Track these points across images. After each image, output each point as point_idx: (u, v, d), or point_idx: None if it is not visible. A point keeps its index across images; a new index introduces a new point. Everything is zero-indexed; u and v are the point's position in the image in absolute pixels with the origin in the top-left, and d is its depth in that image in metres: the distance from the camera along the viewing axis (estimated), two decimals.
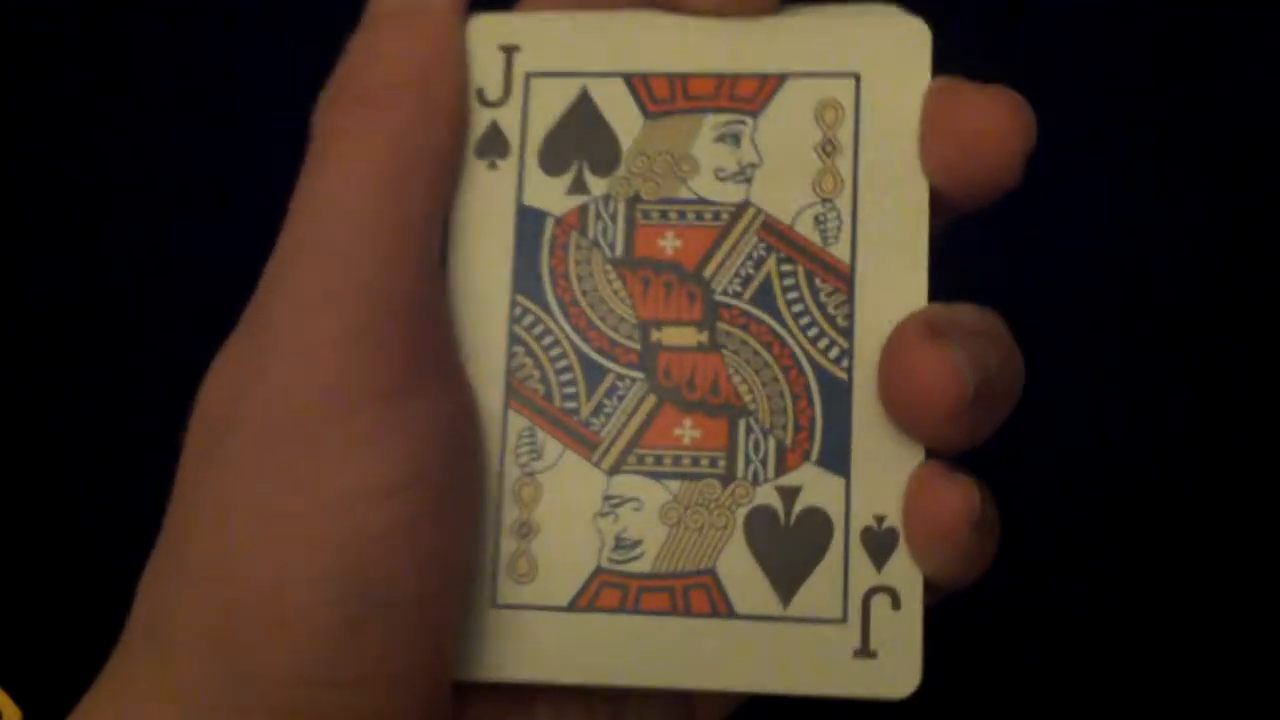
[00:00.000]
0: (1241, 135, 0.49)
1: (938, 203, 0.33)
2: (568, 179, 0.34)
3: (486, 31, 0.34)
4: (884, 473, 0.32)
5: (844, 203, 0.33)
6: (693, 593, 0.32)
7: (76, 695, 0.30)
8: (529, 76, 0.34)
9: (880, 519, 0.32)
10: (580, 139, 0.34)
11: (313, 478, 0.29)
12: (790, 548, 0.32)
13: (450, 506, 0.31)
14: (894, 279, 0.33)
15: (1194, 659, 0.48)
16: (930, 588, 0.33)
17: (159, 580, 0.31)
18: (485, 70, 0.34)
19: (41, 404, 0.54)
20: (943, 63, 0.34)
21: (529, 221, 0.34)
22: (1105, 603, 0.47)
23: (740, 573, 0.32)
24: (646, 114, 0.34)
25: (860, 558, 0.32)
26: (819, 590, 0.32)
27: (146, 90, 0.54)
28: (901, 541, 0.32)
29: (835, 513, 0.32)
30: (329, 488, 0.29)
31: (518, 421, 0.33)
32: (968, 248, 0.34)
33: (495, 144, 0.34)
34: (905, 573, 0.32)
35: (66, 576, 0.51)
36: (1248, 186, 0.49)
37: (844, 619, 0.32)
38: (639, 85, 0.34)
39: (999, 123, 0.32)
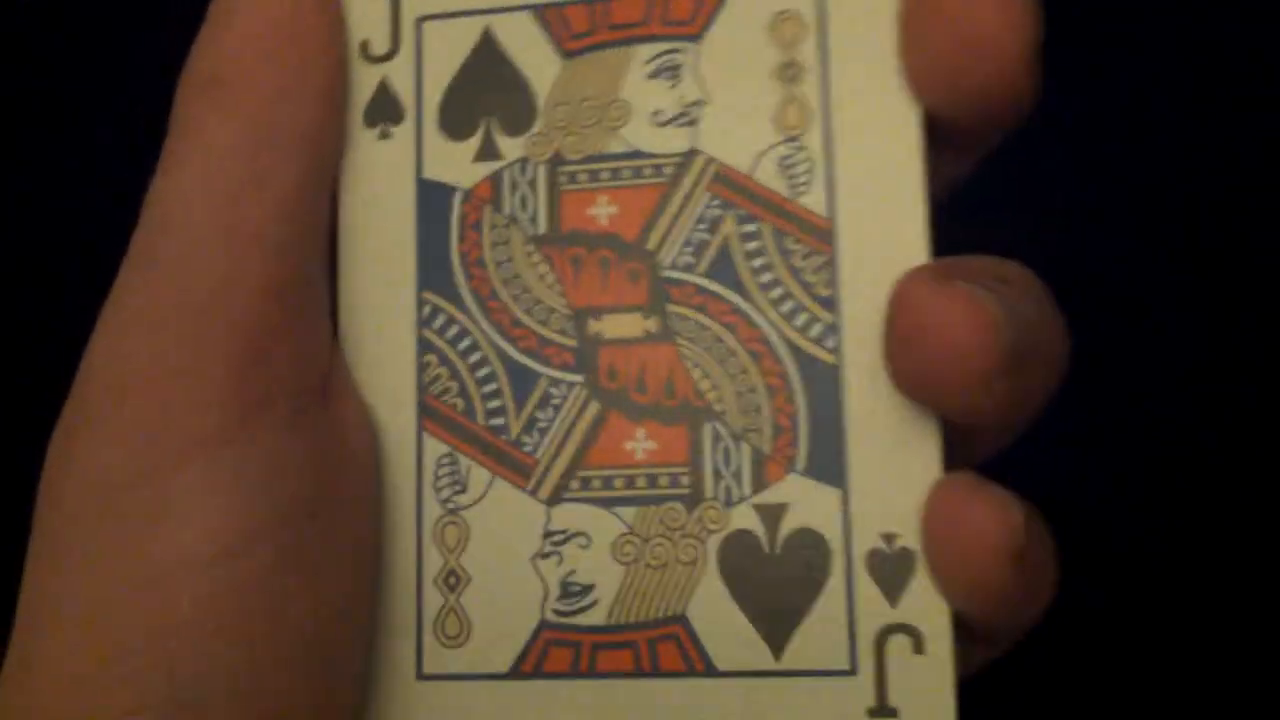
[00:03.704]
0: None
1: (937, 132, 0.26)
2: (475, 143, 0.28)
3: None
4: (891, 478, 0.26)
5: (814, 140, 0.26)
6: (660, 647, 0.26)
7: None
8: (420, 21, 0.28)
9: (890, 538, 0.25)
10: (487, 92, 0.28)
11: (115, 554, 0.24)
12: (778, 583, 0.26)
13: (301, 572, 0.25)
14: (885, 231, 0.26)
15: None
16: (969, 637, 0.26)
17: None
18: (368, 18, 0.28)
19: (45, 402, 0.51)
20: None
21: (432, 199, 0.27)
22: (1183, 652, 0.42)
23: (718, 618, 0.26)
24: (564, 53, 0.27)
25: (869, 589, 0.25)
26: (819, 635, 0.25)
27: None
28: (920, 564, 0.25)
29: (832, 534, 0.26)
30: (130, 565, 0.24)
31: (435, 447, 0.27)
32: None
33: (386, 108, 0.28)
34: (928, 605, 0.25)
35: None
36: None
37: (853, 670, 0.25)
38: (552, 18, 0.27)
39: (986, 16, 0.24)
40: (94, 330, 0.26)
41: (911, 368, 0.25)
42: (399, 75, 0.28)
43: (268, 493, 0.25)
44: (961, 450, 0.26)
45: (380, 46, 0.28)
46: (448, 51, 0.28)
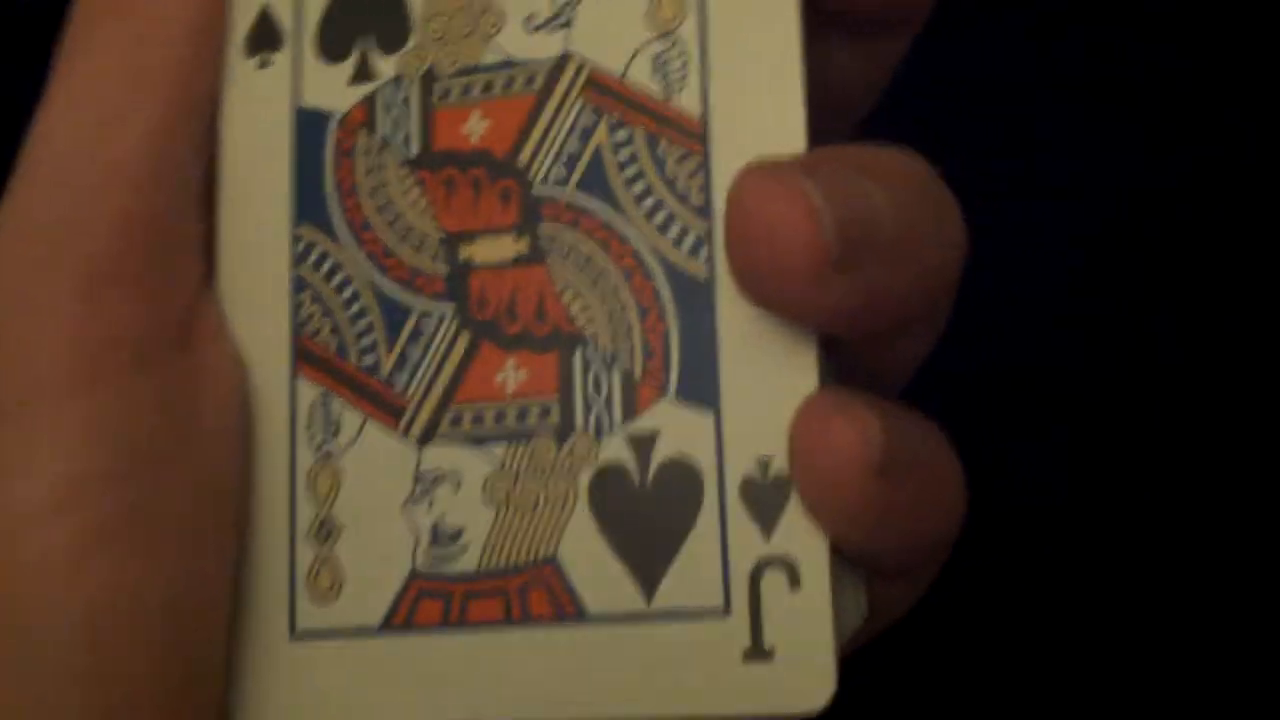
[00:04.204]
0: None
1: (827, 26, 0.24)
2: (351, 65, 0.26)
3: None
4: (766, 400, 0.23)
5: (689, 34, 0.24)
6: (531, 593, 0.24)
7: None
8: None
9: (765, 463, 0.23)
10: (364, 10, 0.26)
11: None
12: (650, 518, 0.23)
13: (153, 523, 0.23)
14: (761, 129, 0.23)
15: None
16: (871, 571, 0.23)
17: None
18: None
19: None
20: None
21: (308, 127, 0.26)
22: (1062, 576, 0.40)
23: (588, 559, 0.23)
24: None
25: (742, 521, 0.23)
26: (691, 573, 0.23)
27: None
28: (796, 492, 0.23)
29: (705, 463, 0.23)
30: None
31: (308, 391, 0.25)
32: None
33: (267, 36, 0.26)
34: (803, 535, 0.22)
35: None
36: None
37: (726, 609, 0.23)
38: None
39: None
40: None
41: (741, 266, 0.22)
42: (280, 2, 0.26)
43: (111, 439, 0.23)
44: (863, 374, 0.23)
45: None
46: None
